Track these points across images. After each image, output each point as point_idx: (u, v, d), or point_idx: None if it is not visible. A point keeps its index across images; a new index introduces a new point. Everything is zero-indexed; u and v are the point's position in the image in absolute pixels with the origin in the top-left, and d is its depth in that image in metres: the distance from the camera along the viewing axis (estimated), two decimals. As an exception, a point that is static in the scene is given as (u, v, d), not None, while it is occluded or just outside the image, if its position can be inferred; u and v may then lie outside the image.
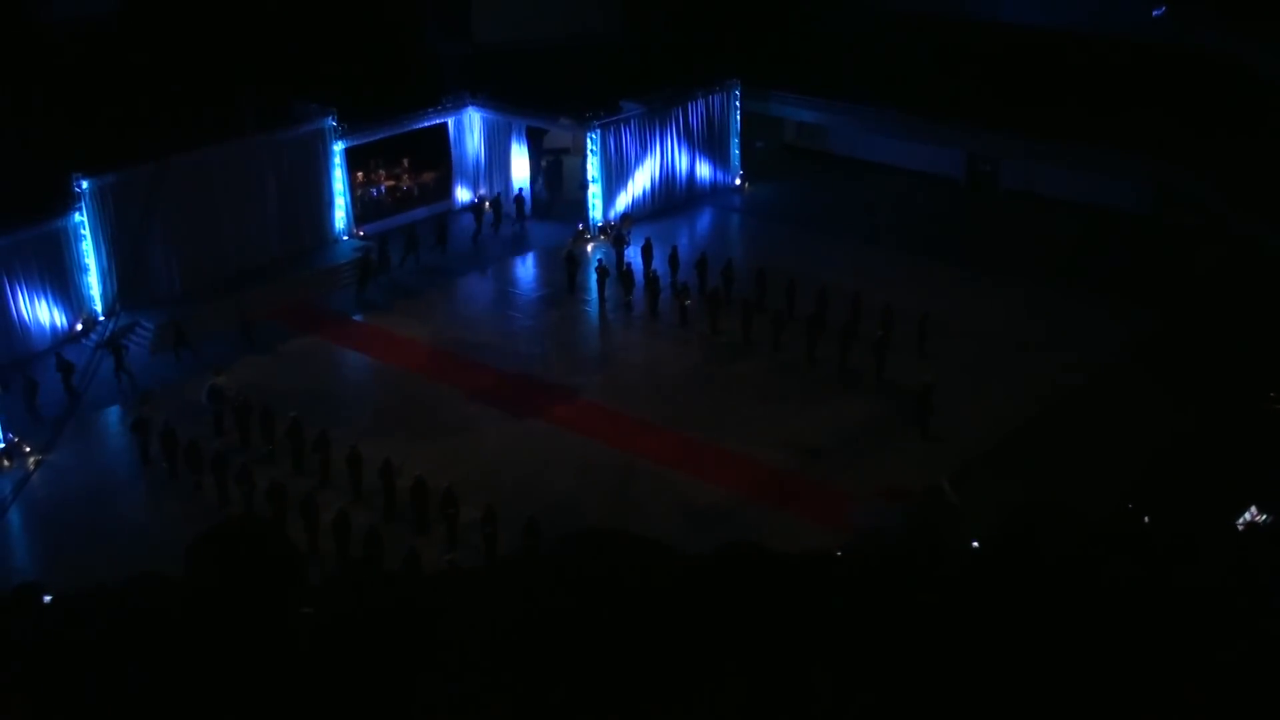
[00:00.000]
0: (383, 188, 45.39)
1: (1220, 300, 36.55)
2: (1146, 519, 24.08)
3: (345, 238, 42.89)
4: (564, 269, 39.99)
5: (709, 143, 46.84)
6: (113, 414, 33.16)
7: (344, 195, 42.79)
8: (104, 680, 11.88)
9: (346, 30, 46.11)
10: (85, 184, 36.35)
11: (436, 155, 45.56)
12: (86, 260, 36.77)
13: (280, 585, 11.65)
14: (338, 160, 42.26)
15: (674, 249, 39.95)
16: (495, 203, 44.51)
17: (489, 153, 45.71)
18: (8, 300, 35.15)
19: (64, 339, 36.40)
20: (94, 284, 37.04)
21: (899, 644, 11.64)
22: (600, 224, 43.59)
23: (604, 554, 11.40)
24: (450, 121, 45.24)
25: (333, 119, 41.72)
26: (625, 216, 43.74)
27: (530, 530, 25.94)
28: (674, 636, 10.59)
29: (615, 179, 43.93)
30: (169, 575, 14.23)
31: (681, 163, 46.12)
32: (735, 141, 47.63)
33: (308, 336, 37.47)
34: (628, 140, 44.08)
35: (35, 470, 30.11)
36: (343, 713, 11.17)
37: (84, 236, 36.59)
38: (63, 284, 36.42)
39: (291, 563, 12.14)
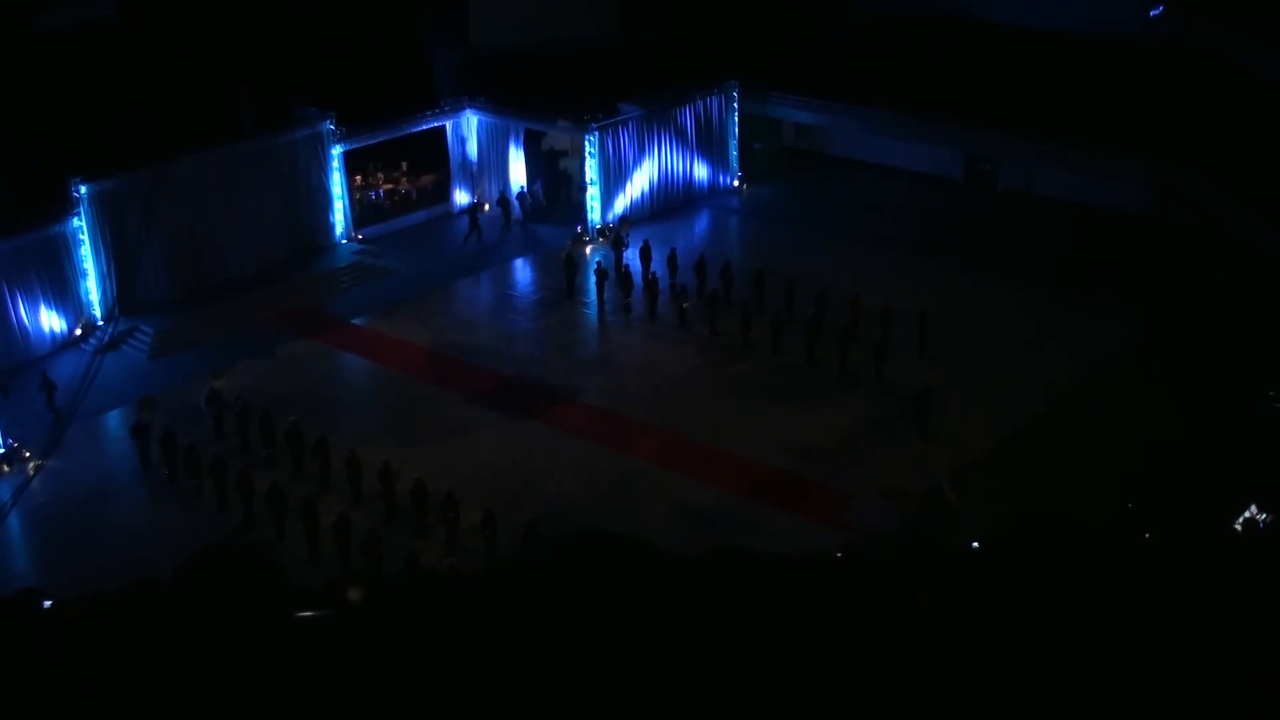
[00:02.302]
0: (381, 191, 45.47)
1: (1219, 300, 36.54)
2: (1146, 519, 24.07)
3: (344, 241, 42.96)
4: (563, 271, 40.01)
5: (707, 144, 46.86)
6: (112, 419, 33.15)
7: (343, 199, 42.86)
8: (104, 685, 11.88)
9: (344, 33, 46.12)
10: (84, 189, 36.38)
11: (435, 158, 45.62)
12: (85, 265, 36.80)
13: (266, 613, 11.65)
14: (336, 164, 42.31)
15: (673, 251, 39.95)
16: (498, 202, 44.65)
17: (488, 156, 45.77)
18: (7, 305, 35.15)
19: (63, 344, 36.46)
20: (93, 289, 37.07)
21: (898, 646, 11.63)
22: (599, 226, 43.61)
23: (597, 556, 11.41)
24: (448, 124, 45.27)
25: (331, 122, 41.79)
26: (624, 219, 43.76)
27: (530, 533, 25.95)
28: (669, 639, 10.59)
29: (614, 181, 43.96)
30: (168, 581, 14.23)
31: (680, 165, 46.15)
32: (733, 143, 47.66)
33: (307, 340, 37.46)
34: (626, 142, 44.10)
35: (35, 475, 30.11)
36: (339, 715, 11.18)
37: (83, 241, 36.62)
38: (62, 289, 36.43)
39: (276, 589, 12.13)
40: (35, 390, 32.95)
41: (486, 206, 45.08)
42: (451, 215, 45.72)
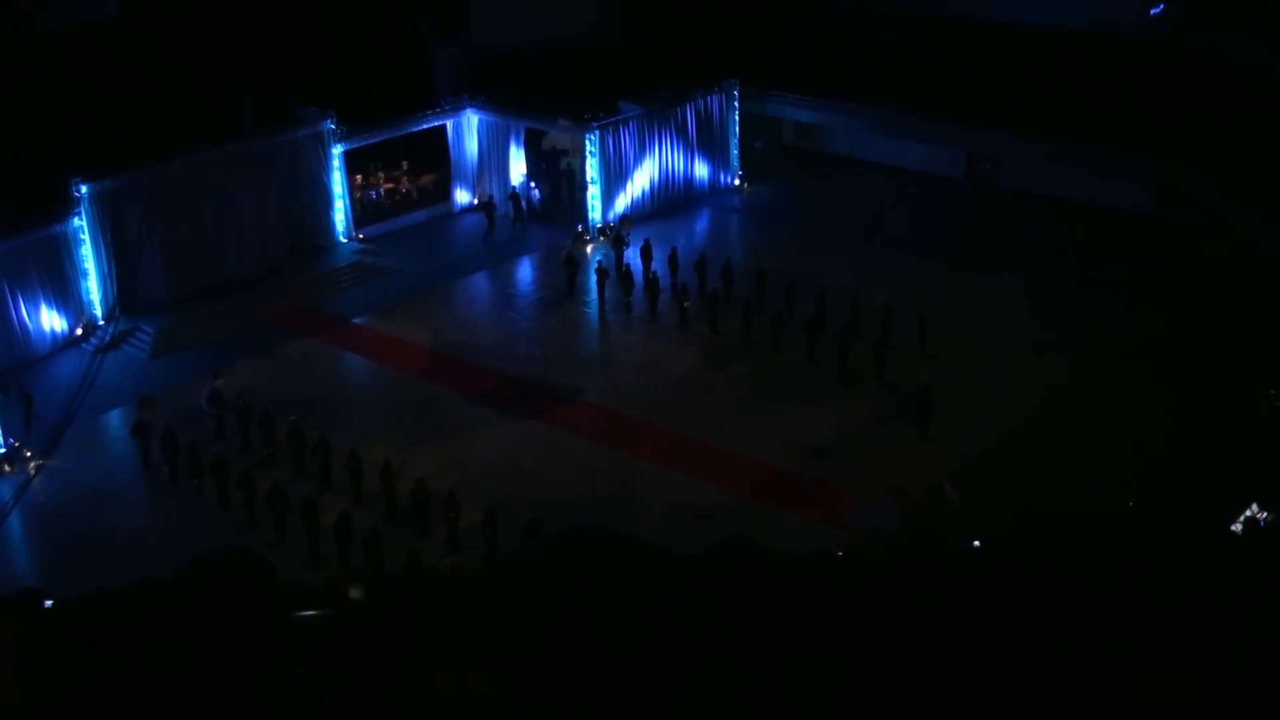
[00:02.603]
0: (381, 190, 45.47)
1: (1220, 299, 36.53)
2: (1146, 518, 24.07)
3: (345, 240, 42.97)
4: (563, 271, 40.02)
5: (708, 143, 46.85)
6: (113, 419, 33.16)
7: (343, 198, 42.86)
8: (104, 684, 11.88)
9: (345, 33, 46.12)
10: (84, 189, 36.37)
11: (435, 158, 45.63)
12: (86, 265, 36.80)
13: (262, 616, 11.68)
14: (337, 163, 42.31)
15: (673, 250, 39.95)
16: (509, 198, 44.74)
17: (488, 155, 45.78)
18: (7, 305, 35.16)
19: (64, 344, 36.46)
20: (94, 289, 37.08)
21: (899, 644, 11.64)
22: (600, 225, 43.61)
23: (594, 554, 11.42)
24: (449, 124, 45.27)
25: (332, 122, 41.77)
26: (624, 218, 43.76)
27: (531, 532, 25.95)
28: (668, 637, 10.60)
29: (614, 180, 43.96)
30: (169, 580, 14.24)
31: (680, 163, 46.14)
32: (734, 142, 47.65)
33: (308, 339, 37.48)
34: (626, 141, 44.09)
35: (36, 475, 30.12)
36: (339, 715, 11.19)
37: (83, 241, 36.62)
38: (62, 289, 36.43)
39: (273, 593, 12.16)
40: (14, 401, 32.44)
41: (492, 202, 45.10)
42: (452, 214, 45.79)
